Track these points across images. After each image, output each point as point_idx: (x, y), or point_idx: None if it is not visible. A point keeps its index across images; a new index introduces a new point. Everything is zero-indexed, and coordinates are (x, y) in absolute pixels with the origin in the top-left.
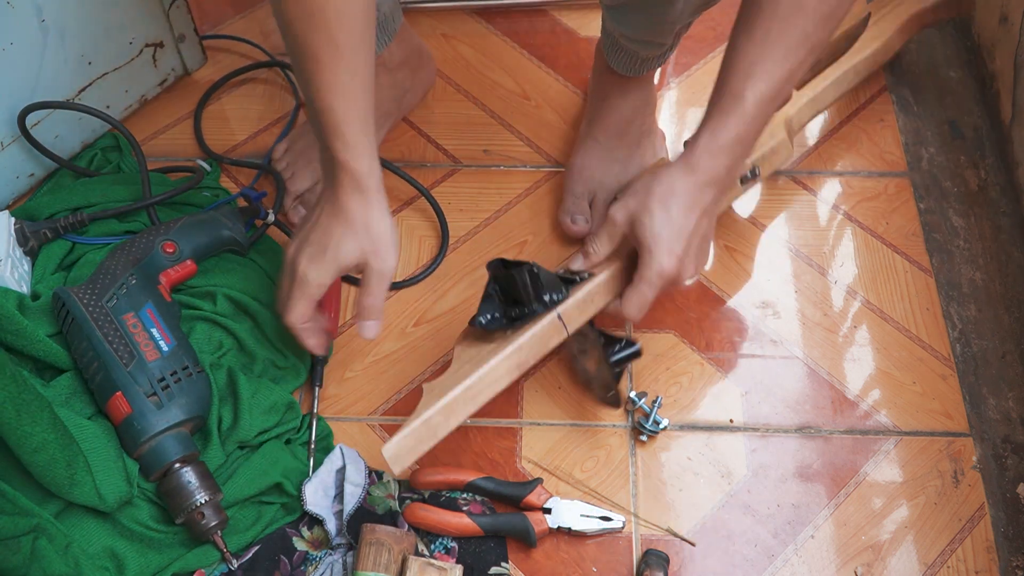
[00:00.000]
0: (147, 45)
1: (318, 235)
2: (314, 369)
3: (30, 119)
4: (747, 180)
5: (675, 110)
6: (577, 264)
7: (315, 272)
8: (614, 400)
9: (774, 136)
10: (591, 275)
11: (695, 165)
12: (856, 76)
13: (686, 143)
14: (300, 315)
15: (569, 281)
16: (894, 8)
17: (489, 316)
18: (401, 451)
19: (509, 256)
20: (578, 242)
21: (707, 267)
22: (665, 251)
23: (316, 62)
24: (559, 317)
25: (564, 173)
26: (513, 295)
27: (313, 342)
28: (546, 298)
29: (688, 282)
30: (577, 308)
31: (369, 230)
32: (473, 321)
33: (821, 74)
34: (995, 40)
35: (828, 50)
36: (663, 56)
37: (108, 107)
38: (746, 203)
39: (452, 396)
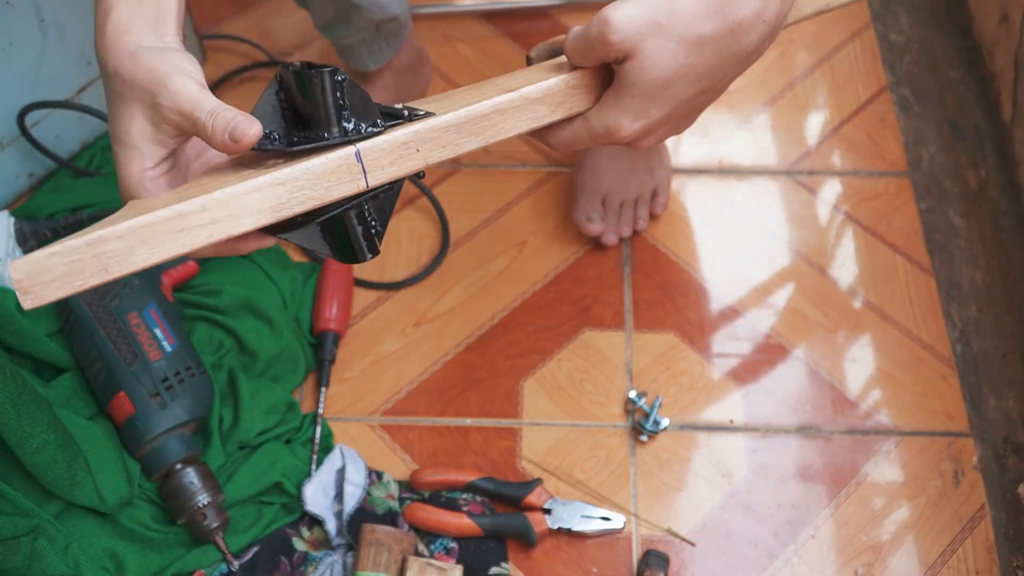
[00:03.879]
0: None
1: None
2: (321, 369)
3: (30, 119)
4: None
5: None
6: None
7: (130, 182)
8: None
9: None
10: (430, 114)
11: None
12: None
13: None
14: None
15: (393, 116)
16: None
17: (266, 130)
18: (40, 272)
19: (509, 253)
20: (583, 242)
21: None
22: (637, 111)
23: None
24: (357, 156)
25: (574, 172)
26: (303, 112)
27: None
28: (348, 126)
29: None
30: (390, 153)
31: (134, 79)
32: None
33: None
34: (995, 40)
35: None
36: None
37: None
38: (746, 203)
39: (153, 217)
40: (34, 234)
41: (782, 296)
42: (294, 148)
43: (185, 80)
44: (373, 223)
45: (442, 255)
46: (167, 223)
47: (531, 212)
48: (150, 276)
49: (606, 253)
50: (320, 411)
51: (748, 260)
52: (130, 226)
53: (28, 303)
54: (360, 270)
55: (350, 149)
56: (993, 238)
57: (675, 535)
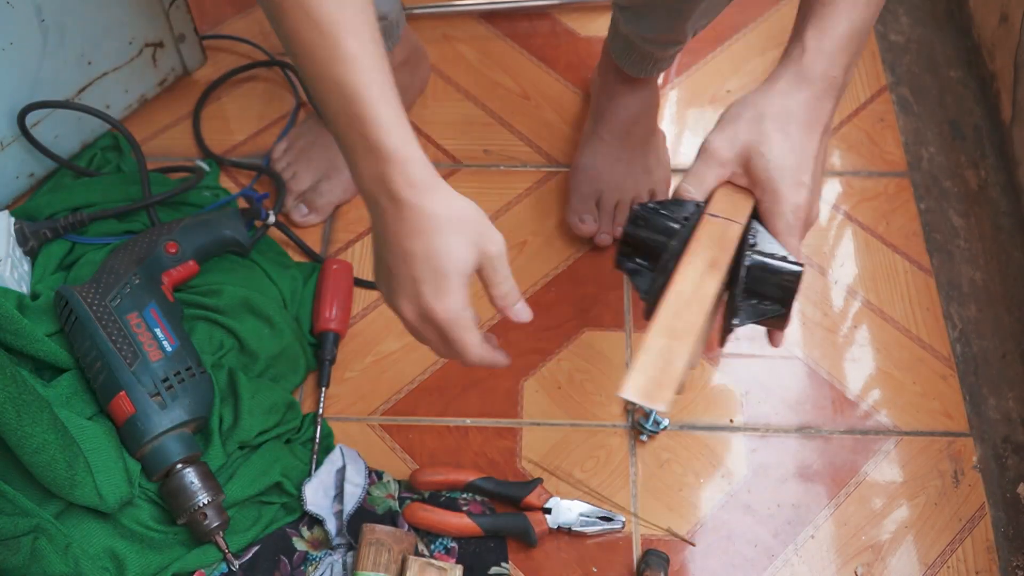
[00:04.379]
0: (147, 45)
1: (418, 265)
2: (321, 369)
3: (30, 119)
4: None
5: (676, 110)
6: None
7: (451, 302)
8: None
9: None
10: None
11: (808, 73)
12: None
13: (786, 51)
14: (476, 345)
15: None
16: None
17: (646, 287)
18: (647, 384)
19: (509, 253)
20: (583, 242)
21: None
22: (794, 185)
23: (328, 38)
24: (710, 216)
25: (569, 173)
26: (646, 247)
27: (500, 357)
28: (682, 217)
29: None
30: (726, 199)
31: (461, 218)
32: (642, 298)
33: None
34: (995, 40)
35: None
36: (674, 56)
37: (108, 107)
38: None
39: (660, 316)
40: (34, 234)
41: None
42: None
43: (502, 243)
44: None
45: None
46: (671, 312)
47: (531, 212)
48: (151, 277)
49: (606, 253)
50: (320, 411)
51: None
52: (655, 328)
53: (658, 404)
54: (360, 270)
55: (704, 217)
56: (993, 238)
57: (675, 535)
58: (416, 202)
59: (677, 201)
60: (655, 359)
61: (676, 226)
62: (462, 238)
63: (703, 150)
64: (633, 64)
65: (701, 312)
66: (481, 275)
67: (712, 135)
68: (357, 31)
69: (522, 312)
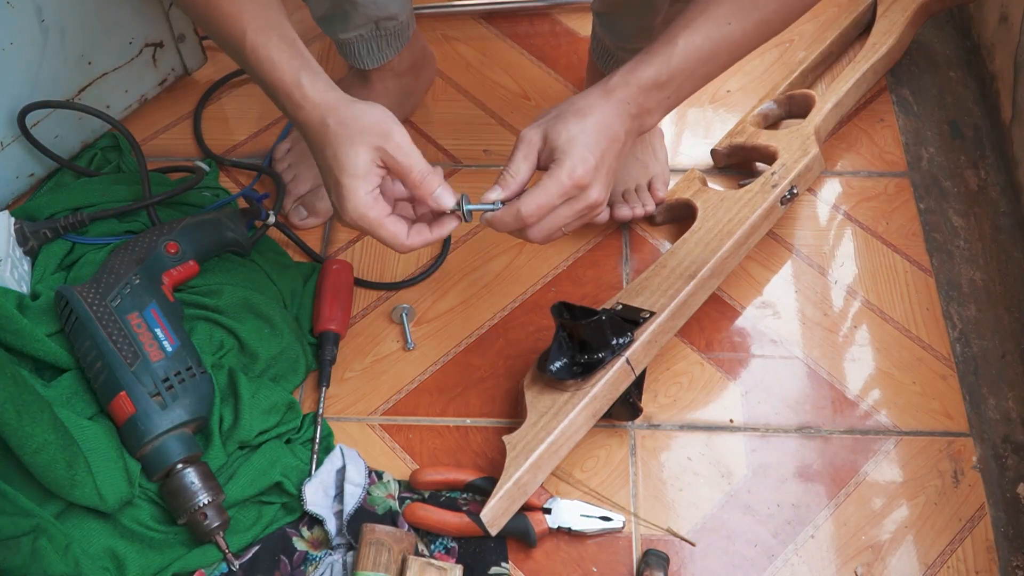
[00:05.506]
0: (147, 45)
1: (326, 178)
2: (321, 369)
3: (30, 119)
4: (787, 200)
5: (676, 110)
6: (494, 194)
7: (352, 205)
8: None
9: (808, 152)
10: (653, 314)
11: (611, 88)
12: (875, 76)
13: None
14: (396, 236)
15: (632, 322)
16: None
17: (559, 364)
18: (497, 513)
19: (509, 253)
20: (583, 242)
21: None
22: (579, 155)
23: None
24: (627, 361)
25: None
26: (581, 341)
27: (436, 232)
28: (614, 343)
29: (601, 217)
30: (643, 350)
31: (357, 126)
32: (544, 369)
33: (840, 76)
34: (995, 40)
35: (839, 40)
36: None
37: (108, 107)
38: None
39: (538, 454)
40: (34, 234)
41: (782, 296)
42: (586, 371)
43: (404, 136)
44: (637, 393)
45: (442, 255)
46: (548, 455)
47: None
48: (151, 277)
49: (606, 253)
50: (320, 411)
51: (748, 260)
52: (528, 465)
53: (494, 531)
54: (360, 270)
55: (622, 360)
56: (993, 238)
57: (675, 535)
58: (314, 120)
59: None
60: (515, 490)
61: (612, 349)
62: (356, 143)
63: (519, 139)
64: (611, 68)
65: (559, 459)
66: (392, 171)
67: (525, 129)
68: None
69: (443, 197)
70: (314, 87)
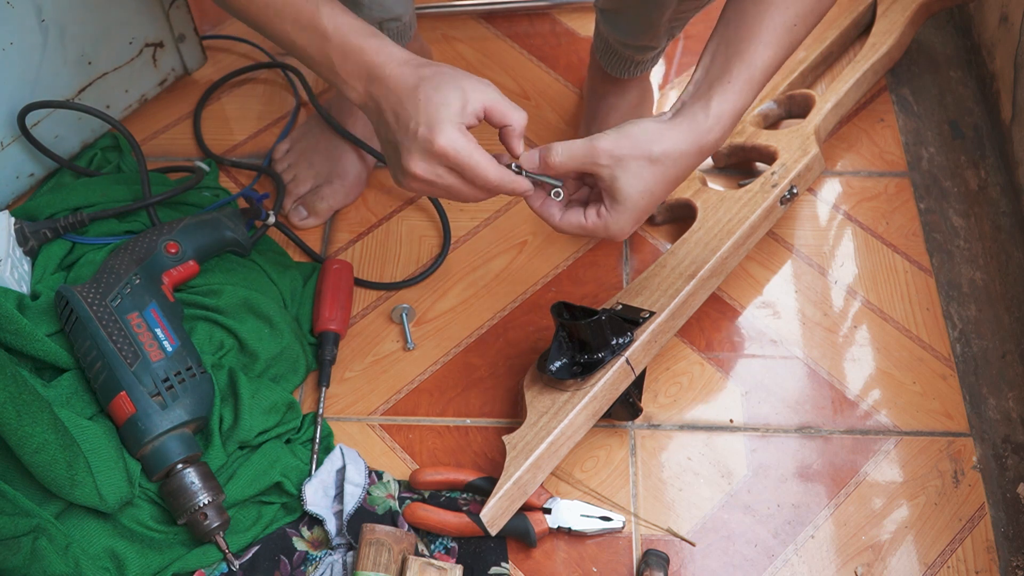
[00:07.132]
0: (147, 45)
1: (418, 116)
2: (321, 369)
3: (30, 119)
4: (787, 200)
5: None
6: (530, 161)
7: (451, 133)
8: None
9: (807, 151)
10: (653, 314)
11: (705, 134)
12: (875, 75)
13: (692, 98)
14: (491, 165)
15: (632, 321)
16: None
17: (559, 363)
18: (497, 513)
19: (509, 253)
20: (585, 241)
21: None
22: (630, 219)
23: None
24: (627, 361)
25: None
26: (581, 340)
27: (523, 182)
28: (613, 343)
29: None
30: (643, 350)
31: (446, 72)
32: (544, 369)
33: (840, 76)
34: (995, 40)
35: (839, 40)
36: (655, 59)
37: (108, 107)
38: None
39: (538, 454)
40: (34, 234)
41: (782, 296)
42: (586, 371)
43: (491, 89)
44: (637, 393)
45: (442, 255)
46: (547, 455)
47: (531, 212)
48: (151, 277)
49: (606, 253)
50: (320, 411)
51: (748, 260)
52: (528, 464)
53: (494, 531)
54: (360, 270)
55: (622, 360)
56: (993, 238)
57: (675, 535)
58: (399, 72)
59: (633, 319)
60: (515, 490)
61: (612, 349)
62: (460, 85)
63: (593, 138)
64: (615, 66)
65: (558, 459)
66: (495, 117)
67: (606, 135)
68: None
69: (528, 158)
70: (393, 44)
